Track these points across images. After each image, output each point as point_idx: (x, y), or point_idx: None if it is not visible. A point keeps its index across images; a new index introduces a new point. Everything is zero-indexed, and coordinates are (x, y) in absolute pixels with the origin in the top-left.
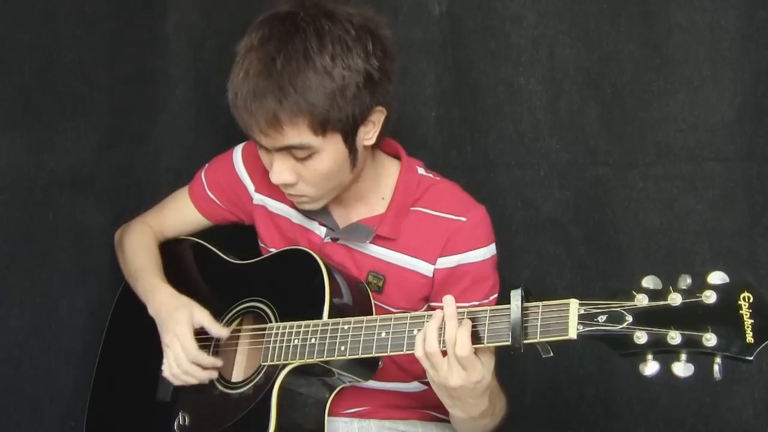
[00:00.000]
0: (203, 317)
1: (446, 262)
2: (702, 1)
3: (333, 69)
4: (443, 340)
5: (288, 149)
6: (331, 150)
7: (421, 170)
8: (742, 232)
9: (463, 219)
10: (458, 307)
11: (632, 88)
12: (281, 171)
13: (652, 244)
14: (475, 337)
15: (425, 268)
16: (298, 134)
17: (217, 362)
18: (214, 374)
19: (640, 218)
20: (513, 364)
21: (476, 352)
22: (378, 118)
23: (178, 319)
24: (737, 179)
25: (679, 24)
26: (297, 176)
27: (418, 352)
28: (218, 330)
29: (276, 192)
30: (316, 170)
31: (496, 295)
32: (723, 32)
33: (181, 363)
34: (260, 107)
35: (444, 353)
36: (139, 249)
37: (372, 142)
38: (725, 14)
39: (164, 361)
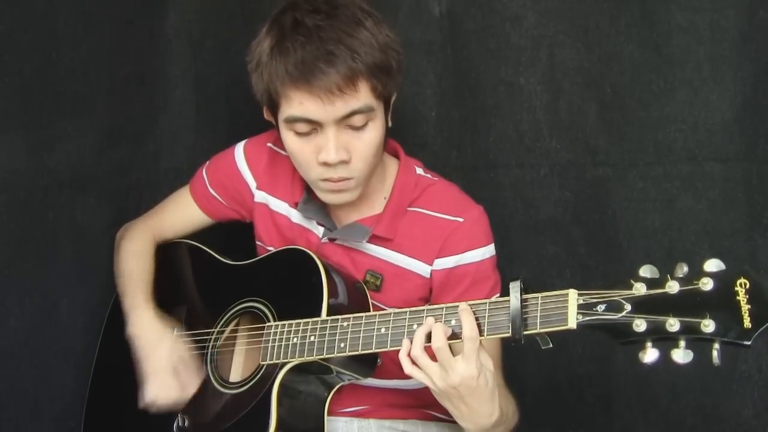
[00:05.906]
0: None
1: (444, 263)
2: (702, 1)
3: (378, 34)
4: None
5: (350, 116)
6: (380, 118)
7: (419, 170)
8: (742, 232)
9: (461, 219)
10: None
11: (632, 88)
12: (339, 147)
13: (652, 244)
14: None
15: (422, 269)
16: (367, 94)
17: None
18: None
19: (640, 218)
20: (513, 364)
21: None
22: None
23: (161, 370)
24: (737, 179)
25: (679, 24)
26: (349, 154)
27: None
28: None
29: (277, 190)
30: (368, 141)
31: (498, 295)
32: (723, 32)
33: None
34: (337, 65)
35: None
36: (132, 258)
37: (390, 124)
38: (725, 14)
39: (146, 388)
